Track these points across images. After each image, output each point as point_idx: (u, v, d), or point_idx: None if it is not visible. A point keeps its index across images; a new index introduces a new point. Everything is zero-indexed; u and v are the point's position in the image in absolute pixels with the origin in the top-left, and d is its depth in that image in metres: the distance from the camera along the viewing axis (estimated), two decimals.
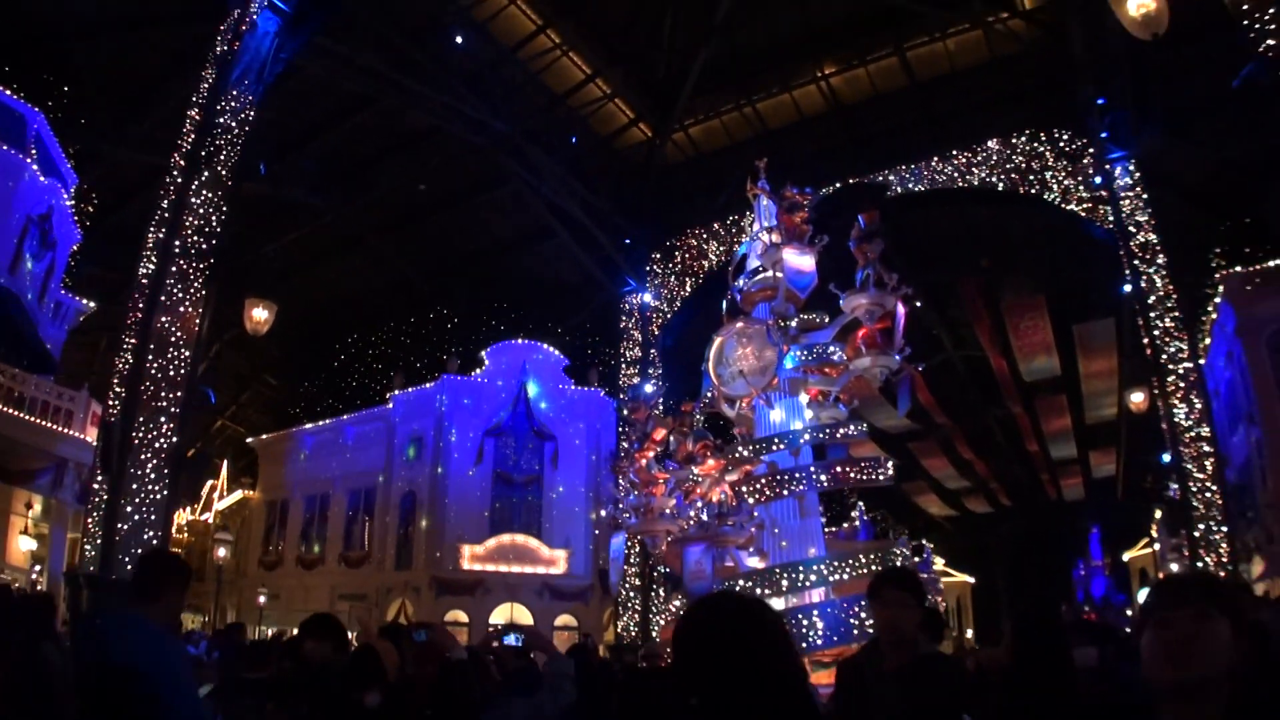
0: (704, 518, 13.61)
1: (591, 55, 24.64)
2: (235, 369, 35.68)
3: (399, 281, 32.85)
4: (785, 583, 12.98)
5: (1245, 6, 7.68)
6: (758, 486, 13.79)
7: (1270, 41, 7.33)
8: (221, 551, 27.66)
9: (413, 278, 32.33)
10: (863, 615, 11.86)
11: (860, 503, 29.39)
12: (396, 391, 31.41)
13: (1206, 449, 19.52)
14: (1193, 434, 19.75)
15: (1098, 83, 20.58)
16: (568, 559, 29.21)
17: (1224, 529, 18.87)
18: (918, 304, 16.62)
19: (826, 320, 15.59)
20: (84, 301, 26.06)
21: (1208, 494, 19.19)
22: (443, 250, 31.56)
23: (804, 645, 11.36)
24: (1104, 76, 20.31)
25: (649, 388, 26.04)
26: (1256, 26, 7.54)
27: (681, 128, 27.11)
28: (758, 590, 12.95)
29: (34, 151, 21.65)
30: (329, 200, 26.44)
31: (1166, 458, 22.72)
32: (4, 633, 5.25)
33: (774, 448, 14.32)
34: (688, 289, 27.60)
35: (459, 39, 21.82)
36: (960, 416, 40.41)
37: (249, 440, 36.61)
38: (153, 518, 12.82)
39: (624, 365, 27.76)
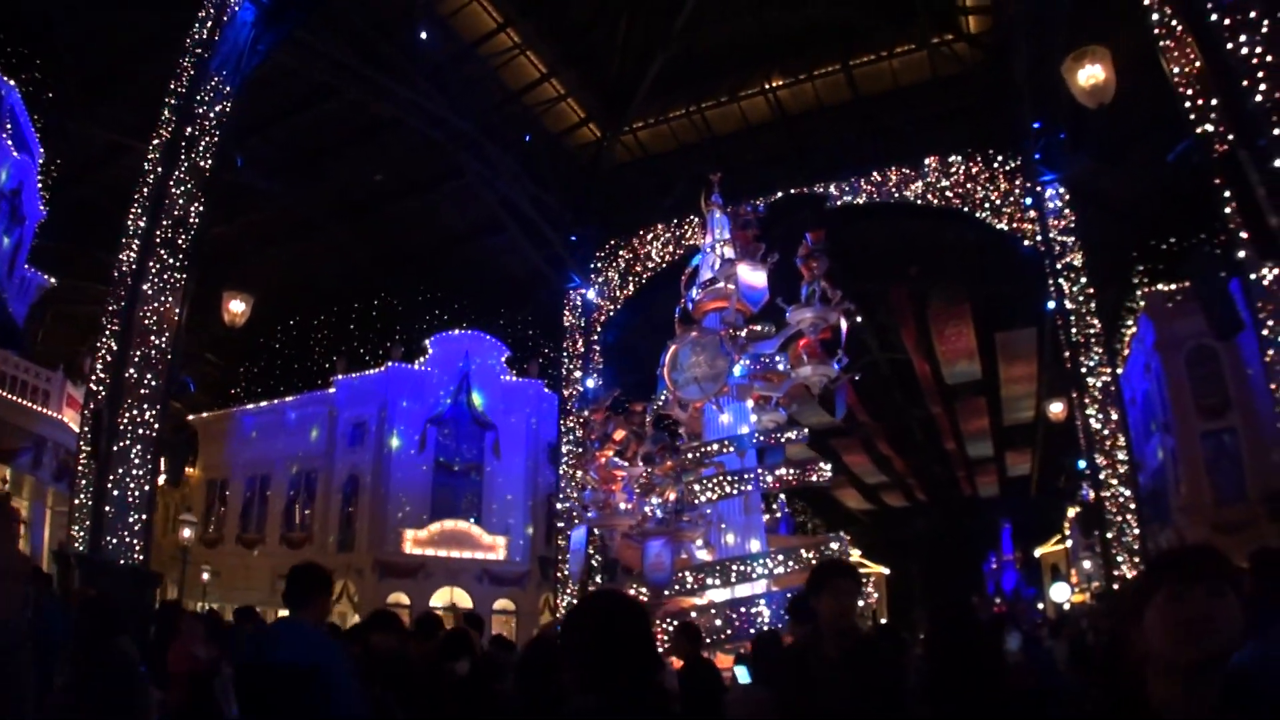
0: (659, 514, 14.48)
1: (548, 55, 25.10)
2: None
3: (348, 268, 33.03)
4: (735, 575, 14.00)
5: (1187, 90, 8.52)
6: (709, 485, 14.79)
7: (1208, 127, 8.19)
8: (186, 532, 27.65)
9: (362, 265, 32.56)
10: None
11: (782, 495, 30.47)
12: (340, 376, 31.73)
13: (1122, 456, 20.69)
14: (1109, 441, 20.94)
15: (1035, 107, 21.49)
16: (506, 545, 29.90)
17: (1136, 531, 20.10)
18: (858, 319, 17.63)
19: (772, 330, 16.64)
20: (45, 277, 25.90)
21: (1121, 498, 20.39)
22: (393, 239, 31.82)
23: (753, 631, 12.28)
24: (1041, 101, 21.19)
25: (592, 383, 27.06)
26: (1198, 106, 8.38)
27: (630, 130, 27.73)
28: (709, 580, 13.99)
29: (8, 126, 21.43)
30: (284, 185, 26.63)
31: (1082, 463, 23.96)
32: (82, 630, 5.45)
33: (725, 450, 15.35)
34: (631, 288, 28.24)
35: (424, 34, 22.11)
36: (882, 415, 41.64)
37: (189, 418, 36.51)
38: (138, 499, 13.29)
39: (566, 359, 28.35)
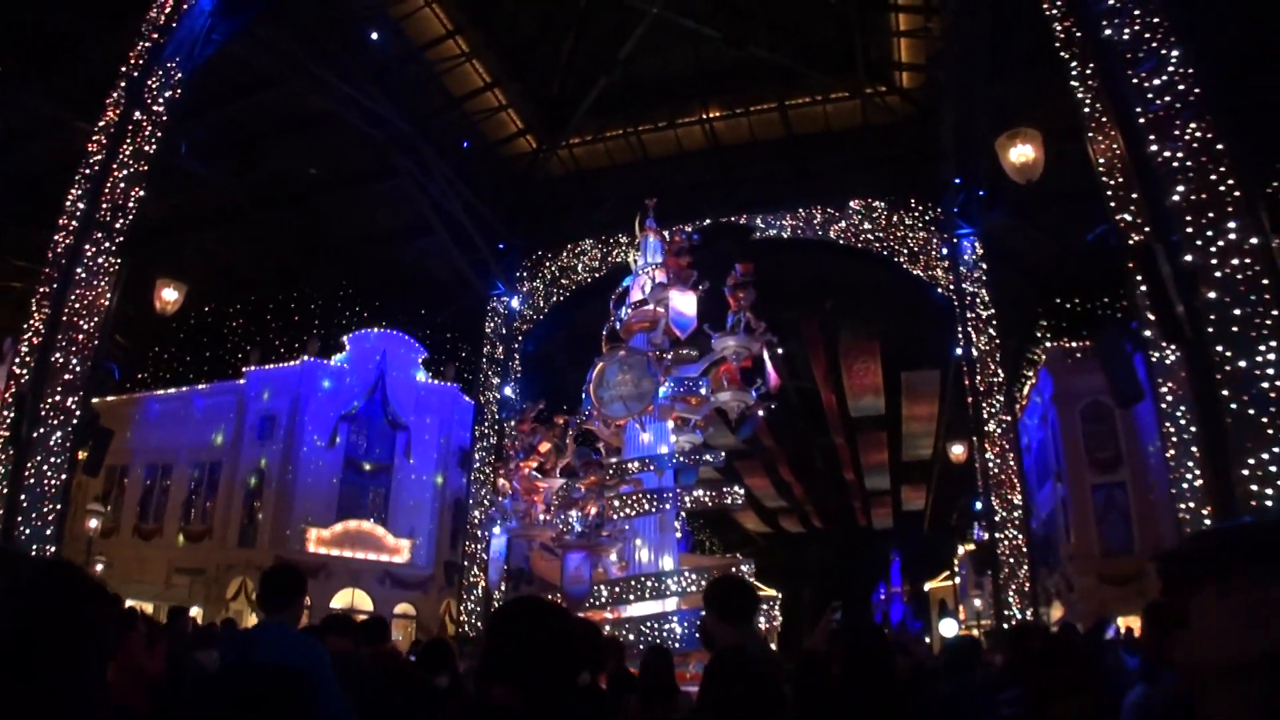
0: (577, 527, 14.86)
1: (494, 65, 25.32)
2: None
3: (269, 257, 32.50)
4: (650, 591, 14.47)
5: (1108, 178, 9.27)
6: (629, 502, 15.25)
7: (1126, 216, 8.95)
8: (93, 523, 26.91)
9: (283, 256, 32.10)
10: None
11: (682, 514, 31.10)
12: (252, 368, 31.28)
13: (1017, 500, 21.71)
14: (1005, 486, 21.91)
15: (958, 163, 22.45)
16: (411, 549, 29.72)
17: (1026, 571, 21.10)
18: (779, 350, 18.33)
19: (696, 355, 17.23)
20: None
21: (1015, 541, 21.39)
22: (318, 233, 31.42)
23: (676, 645, 12.75)
24: (964, 158, 22.13)
25: (510, 391, 27.27)
26: (1118, 194, 9.12)
27: (566, 145, 28.06)
28: (627, 595, 14.43)
29: None
30: (213, 169, 26.25)
31: (979, 505, 25.00)
32: None
33: (645, 468, 15.86)
34: (554, 300, 28.54)
35: (375, 35, 22.22)
36: (786, 441, 42.59)
37: (91, 401, 35.33)
38: (54, 488, 13.02)
39: (486, 366, 28.49)
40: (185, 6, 16.08)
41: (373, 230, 31.29)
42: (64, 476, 13.42)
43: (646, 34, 23.29)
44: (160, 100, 15.75)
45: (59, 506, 13.20)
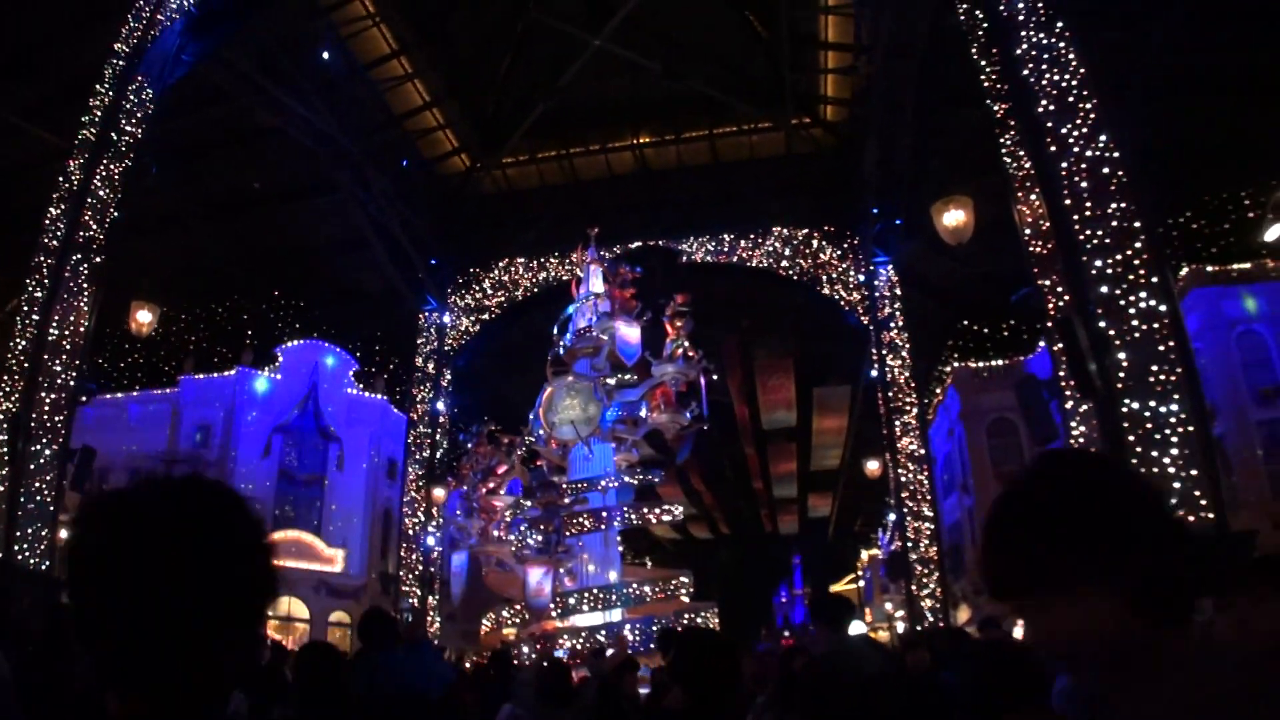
0: (530, 543, 15.87)
1: (435, 84, 25.94)
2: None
3: (205, 267, 32.23)
4: (601, 602, 15.64)
5: (1034, 247, 10.58)
6: (579, 520, 16.34)
7: (1046, 282, 10.29)
8: (63, 533, 26.44)
9: (220, 266, 31.83)
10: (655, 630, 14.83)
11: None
12: (187, 376, 31.27)
13: (928, 512, 23.16)
14: (917, 499, 23.36)
15: (877, 194, 23.62)
16: (345, 558, 30.17)
17: (937, 576, 22.52)
18: (715, 376, 19.53)
19: (636, 379, 18.35)
20: None
21: (923, 548, 22.86)
22: (255, 244, 31.35)
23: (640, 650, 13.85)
24: (884, 190, 23.35)
25: (442, 405, 27.82)
26: (1040, 258, 10.44)
27: (499, 165, 28.71)
28: (581, 606, 15.53)
29: None
30: (157, 178, 26.09)
31: (893, 516, 26.46)
32: None
33: (595, 488, 16.97)
34: (485, 316, 29.05)
35: (326, 55, 22.49)
36: (697, 451, 43.66)
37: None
38: (49, 504, 13.46)
39: (419, 380, 28.85)
40: (154, 33, 16.31)
41: (308, 243, 31.38)
42: (55, 493, 13.78)
43: (585, 63, 24.18)
44: (133, 120, 16.01)
45: (51, 523, 13.52)
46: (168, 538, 1.20)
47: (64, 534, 13.71)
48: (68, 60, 18.72)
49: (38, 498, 13.54)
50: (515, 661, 12.02)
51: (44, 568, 13.20)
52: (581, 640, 14.73)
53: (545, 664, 7.01)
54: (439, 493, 26.40)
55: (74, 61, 17.35)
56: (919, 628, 21.23)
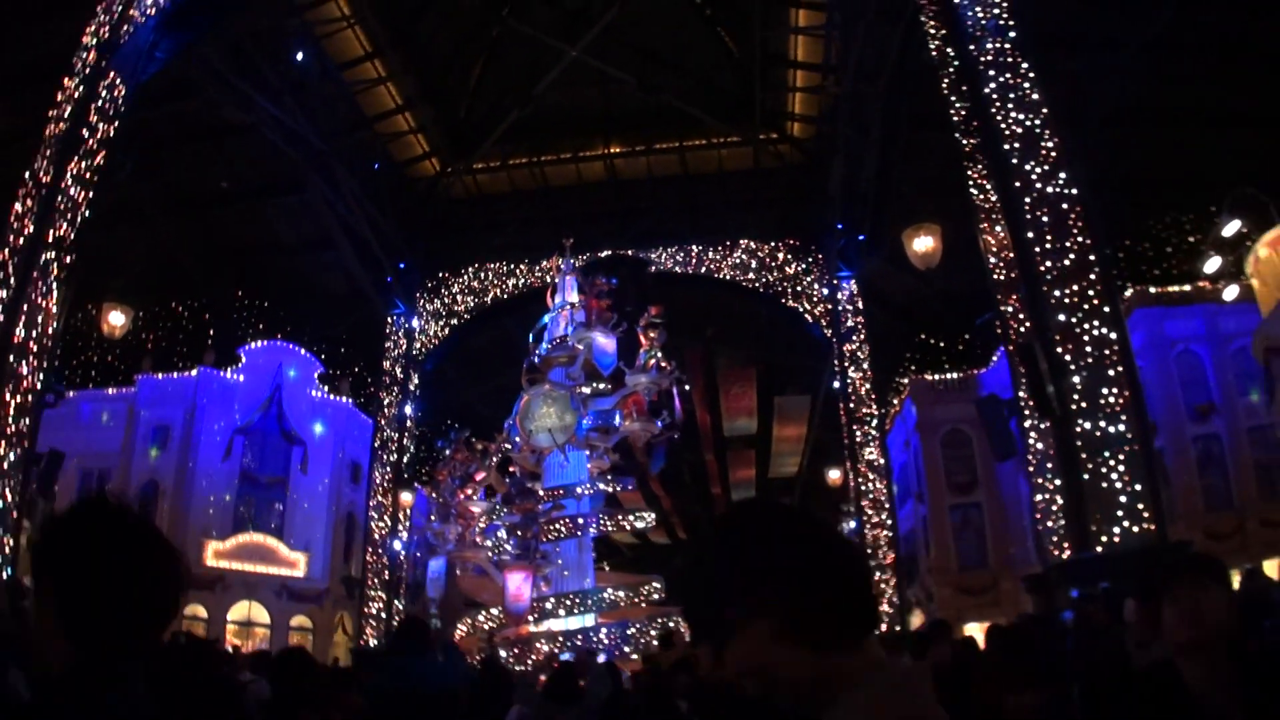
0: (508, 549, 16.32)
1: (407, 87, 26.05)
2: None
3: (167, 263, 31.75)
4: (578, 607, 16.13)
5: (997, 275, 11.30)
6: (555, 527, 16.80)
7: (1008, 308, 10.99)
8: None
9: (182, 263, 31.39)
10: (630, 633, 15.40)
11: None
12: (145, 375, 30.93)
13: (886, 519, 23.94)
14: (875, 507, 24.09)
15: (842, 210, 24.34)
16: (307, 562, 30.02)
17: (894, 582, 23.27)
18: (686, 387, 20.09)
19: (610, 388, 18.85)
20: None
21: (881, 555, 23.52)
22: (219, 242, 31.06)
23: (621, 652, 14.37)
24: (848, 206, 24.06)
25: (409, 409, 27.98)
26: (1003, 285, 11.15)
27: (470, 170, 28.90)
28: (559, 611, 15.98)
29: None
30: (122, 171, 25.84)
31: (853, 524, 27.05)
32: None
33: (570, 495, 17.45)
34: (453, 320, 29.09)
35: (300, 55, 22.46)
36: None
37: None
38: (14, 513, 13.25)
39: (385, 383, 28.79)
40: (127, 28, 15.98)
41: (274, 242, 31.23)
42: (18, 498, 13.49)
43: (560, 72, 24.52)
44: (106, 117, 15.78)
45: (11, 533, 13.26)
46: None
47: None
48: (34, 41, 18.45)
49: (1, 503, 13.26)
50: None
51: (5, 575, 12.85)
52: (559, 644, 15.17)
53: (555, 665, 7.39)
54: (407, 497, 26.62)
55: (41, 45, 17.04)
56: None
